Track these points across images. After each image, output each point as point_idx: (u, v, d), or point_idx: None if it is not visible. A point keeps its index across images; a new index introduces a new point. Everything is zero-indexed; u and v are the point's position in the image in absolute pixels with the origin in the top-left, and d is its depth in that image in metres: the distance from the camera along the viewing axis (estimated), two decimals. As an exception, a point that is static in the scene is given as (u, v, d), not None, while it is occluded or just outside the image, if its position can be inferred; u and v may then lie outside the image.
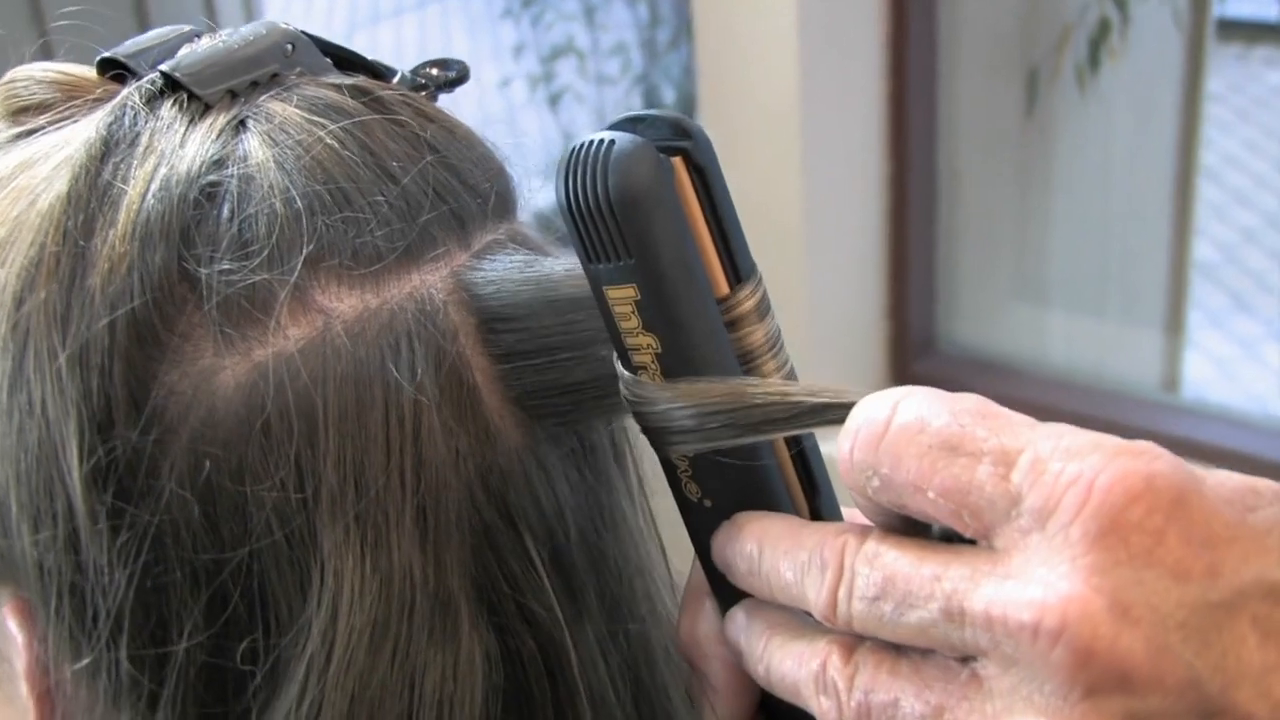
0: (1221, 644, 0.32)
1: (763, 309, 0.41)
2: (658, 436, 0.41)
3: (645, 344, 0.40)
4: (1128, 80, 2.27)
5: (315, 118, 0.43)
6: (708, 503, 0.42)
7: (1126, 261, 2.38)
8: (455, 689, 0.41)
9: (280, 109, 0.43)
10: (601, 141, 0.39)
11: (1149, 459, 0.33)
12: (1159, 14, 2.21)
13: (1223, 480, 0.34)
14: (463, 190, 0.45)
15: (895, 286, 2.09)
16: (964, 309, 2.18)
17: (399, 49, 4.54)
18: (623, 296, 0.40)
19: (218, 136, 0.42)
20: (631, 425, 0.50)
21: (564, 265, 0.44)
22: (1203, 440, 1.98)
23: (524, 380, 0.43)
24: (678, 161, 0.40)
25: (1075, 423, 1.37)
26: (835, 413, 0.38)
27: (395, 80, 0.49)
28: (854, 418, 0.37)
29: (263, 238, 0.40)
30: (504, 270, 0.44)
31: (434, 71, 0.51)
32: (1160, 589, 0.32)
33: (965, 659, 0.35)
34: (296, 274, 0.40)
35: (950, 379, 2.12)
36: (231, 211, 0.41)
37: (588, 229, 0.39)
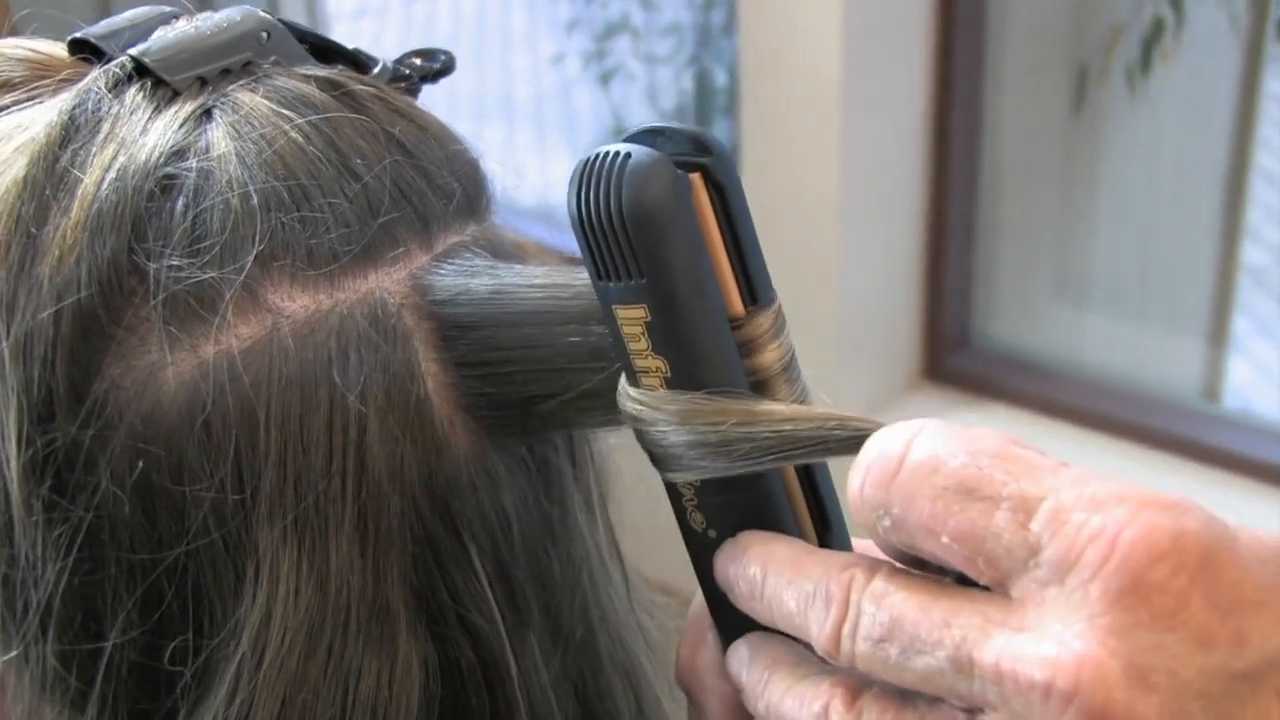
0: (1244, 717, 0.31)
1: (779, 333, 0.40)
2: (663, 462, 0.40)
3: (655, 367, 0.39)
4: (1181, 83, 2.24)
5: (283, 110, 0.43)
6: (712, 533, 0.41)
7: (1171, 267, 2.35)
8: (390, 697, 0.41)
9: (248, 99, 0.43)
10: (617, 154, 0.38)
11: (1178, 514, 0.32)
12: (1216, 16, 2.18)
13: (1258, 539, 0.33)
14: (429, 190, 0.44)
15: (931, 280, 2.07)
16: (1001, 307, 2.17)
17: (456, 21, 4.55)
18: (633, 317, 0.38)
19: (180, 125, 0.42)
20: (592, 436, 0.50)
21: (527, 276, 0.44)
22: (1242, 452, 1.96)
23: (476, 390, 0.43)
24: (696, 178, 0.38)
25: (1111, 428, 1.37)
26: (849, 443, 0.37)
27: (376, 70, 0.49)
28: (867, 452, 0.35)
29: (215, 234, 0.40)
30: (464, 277, 0.43)
31: (418, 62, 0.51)
32: (1181, 654, 0.31)
33: (972, 711, 0.33)
34: (246, 273, 0.40)
35: (984, 376, 2.11)
36: (186, 205, 0.41)
37: (599, 245, 0.38)
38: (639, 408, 0.39)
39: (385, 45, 4.42)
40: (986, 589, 0.34)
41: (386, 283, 0.42)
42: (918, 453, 0.34)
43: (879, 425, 0.36)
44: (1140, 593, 0.31)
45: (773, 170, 1.91)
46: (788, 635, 0.39)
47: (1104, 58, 2.14)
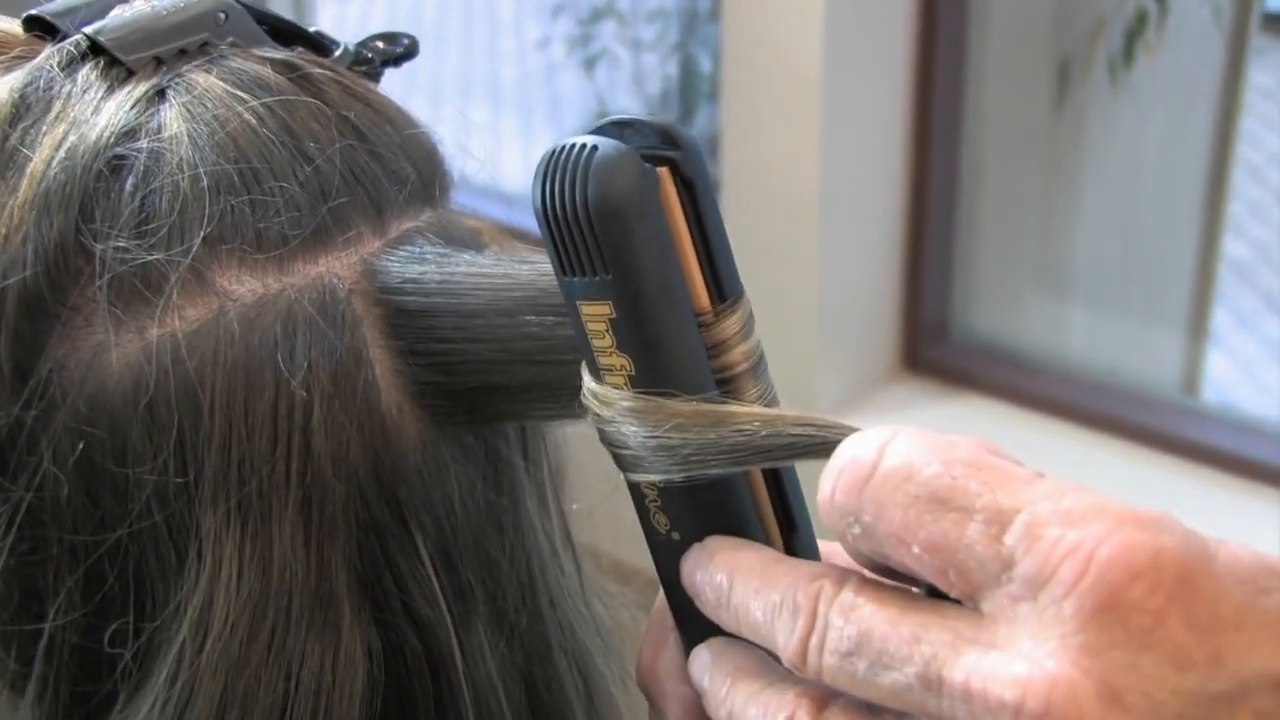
0: None
1: (747, 333, 0.39)
2: (626, 462, 0.39)
3: (619, 364, 0.38)
4: (1163, 75, 2.24)
5: (237, 92, 0.42)
6: (676, 535, 0.40)
7: (1151, 260, 2.36)
8: (334, 683, 0.41)
9: (203, 80, 0.43)
10: (584, 146, 0.37)
11: (1156, 531, 0.31)
12: (1199, 8, 2.18)
13: (1237, 557, 0.32)
14: (382, 175, 0.44)
15: (911, 271, 2.08)
16: (981, 298, 2.17)
17: (443, 5, 4.54)
18: (597, 313, 0.37)
19: (133, 106, 0.42)
20: (547, 426, 0.50)
21: (478, 266, 0.43)
22: (1220, 446, 1.96)
23: (425, 378, 0.42)
24: (664, 172, 0.37)
25: (1089, 421, 1.36)
26: (820, 448, 0.36)
27: (338, 53, 0.48)
28: (838, 457, 0.34)
29: (163, 215, 0.40)
30: (415, 264, 0.43)
31: (380, 45, 0.50)
32: (1157, 675, 0.30)
33: None
34: (192, 255, 0.40)
35: (963, 367, 2.11)
36: (135, 186, 0.40)
37: (563, 239, 0.37)
38: (602, 407, 0.38)
39: (372, 29, 4.39)
40: (958, 602, 0.33)
41: (337, 268, 0.42)
42: (891, 460, 0.33)
43: (851, 430, 0.35)
44: (1116, 611, 0.30)
45: (753, 160, 1.91)
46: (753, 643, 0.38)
47: (1087, 50, 2.14)
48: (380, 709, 0.42)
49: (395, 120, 0.46)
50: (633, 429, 0.38)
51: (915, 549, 0.33)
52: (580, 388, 0.41)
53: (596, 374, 0.39)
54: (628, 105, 3.21)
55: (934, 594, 0.34)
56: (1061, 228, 2.28)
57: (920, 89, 1.97)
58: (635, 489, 0.40)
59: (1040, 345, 2.17)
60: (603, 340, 0.38)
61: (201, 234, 0.40)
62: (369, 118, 0.45)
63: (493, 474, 0.45)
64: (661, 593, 0.42)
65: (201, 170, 0.41)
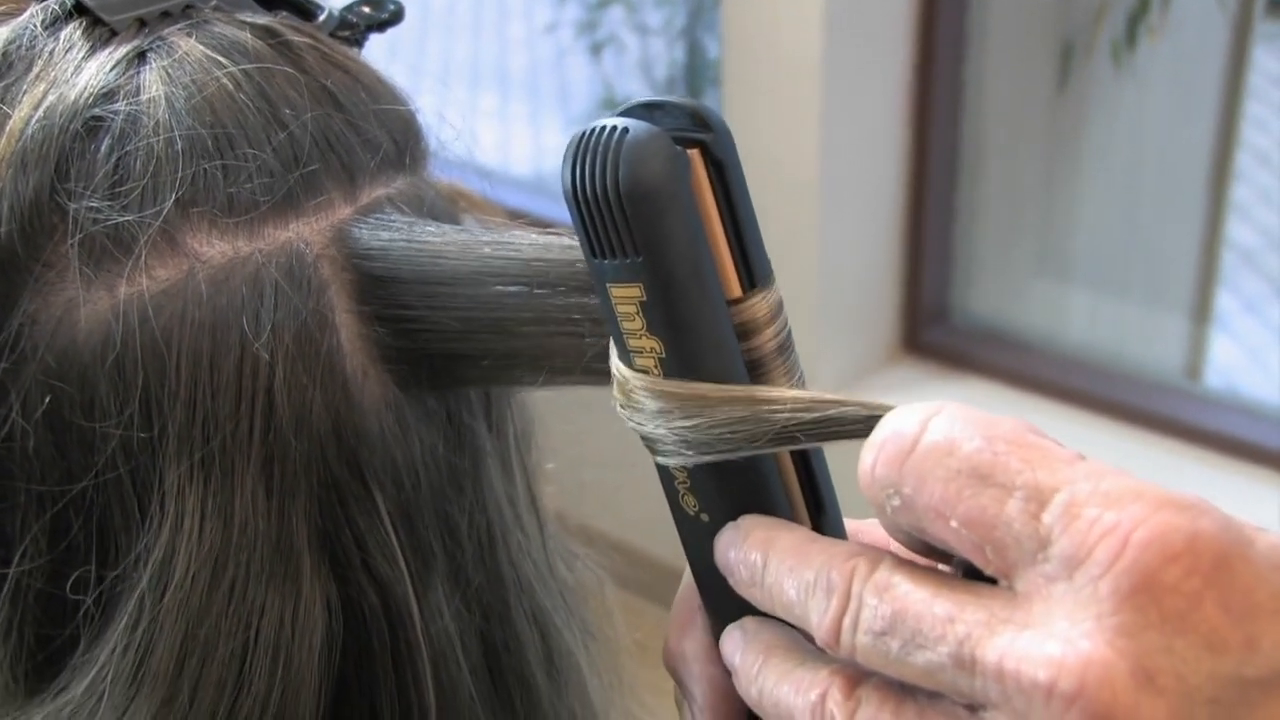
0: None
1: (775, 315, 0.39)
2: (657, 445, 0.39)
3: (649, 347, 0.38)
4: (1167, 59, 2.24)
5: (217, 56, 0.43)
6: (705, 517, 0.40)
7: (1154, 244, 2.36)
8: (293, 634, 0.42)
9: (184, 43, 0.44)
10: (614, 128, 0.36)
11: (1194, 515, 0.31)
12: (1202, -9, 2.19)
13: (1276, 544, 0.31)
14: (356, 142, 0.45)
15: (911, 254, 2.08)
16: (981, 281, 2.17)
17: (452, -11, 4.53)
18: (627, 296, 0.37)
19: (113, 67, 0.43)
20: (514, 391, 0.50)
21: (448, 235, 0.44)
22: (1223, 430, 1.96)
23: (390, 343, 0.43)
24: (695, 155, 0.37)
25: (1090, 404, 1.36)
26: (855, 427, 0.36)
27: (322, 18, 0.49)
28: (881, 429, 0.34)
29: (136, 177, 0.41)
30: (384, 231, 0.44)
31: (366, 10, 0.51)
32: (1191, 659, 0.30)
33: (973, 707, 0.32)
34: (163, 217, 0.41)
35: (963, 350, 2.11)
36: (111, 147, 0.41)
37: (594, 222, 0.37)
38: (632, 391, 0.38)
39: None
40: (991, 582, 0.33)
41: (306, 233, 0.43)
42: (933, 434, 0.33)
43: (886, 408, 0.35)
44: (1151, 593, 0.30)
45: (753, 144, 1.91)
46: (785, 622, 0.38)
47: (1089, 33, 2.14)
48: (339, 662, 0.43)
49: (372, 88, 0.47)
50: (664, 413, 0.38)
51: (954, 523, 0.33)
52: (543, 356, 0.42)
53: (626, 357, 0.39)
54: (635, 91, 3.22)
55: (968, 575, 0.34)
56: (1063, 211, 2.29)
57: (920, 72, 1.97)
58: (664, 471, 0.40)
59: (1041, 329, 2.17)
60: (633, 323, 0.38)
61: (173, 196, 0.41)
62: (346, 85, 0.46)
63: (455, 437, 0.46)
64: (687, 575, 0.42)
65: (176, 134, 0.42)
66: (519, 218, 0.48)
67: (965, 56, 2.01)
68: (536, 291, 0.42)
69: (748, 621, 0.40)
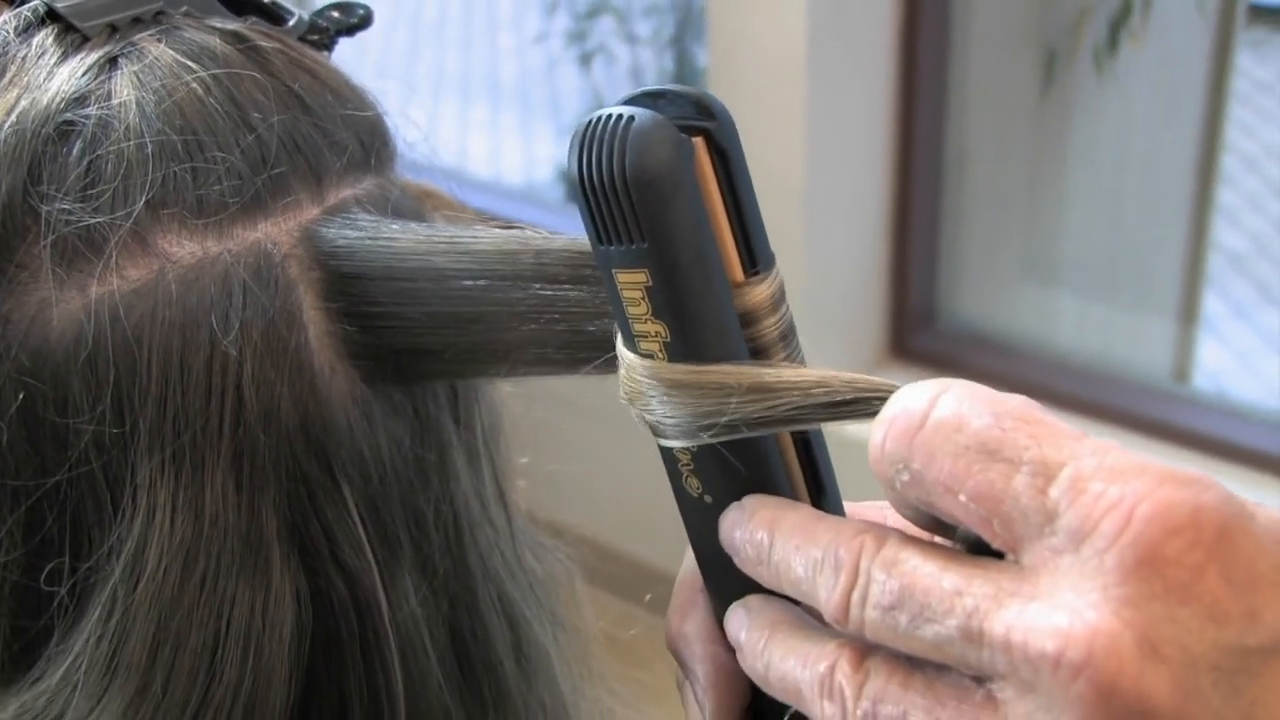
0: (1253, 693, 0.31)
1: (778, 301, 0.40)
2: (660, 428, 0.39)
3: (654, 331, 0.38)
4: (1149, 64, 2.26)
5: (187, 62, 0.44)
6: (708, 499, 0.41)
7: (1141, 248, 2.37)
8: (264, 624, 0.43)
9: (154, 49, 0.45)
10: (620, 116, 0.37)
11: (1197, 490, 0.31)
12: (1183, -1, 2.20)
13: (1276, 519, 0.32)
14: (323, 144, 0.46)
15: (896, 259, 2.09)
16: (968, 285, 2.18)
17: (443, 3, 4.56)
18: (633, 281, 0.38)
19: (85, 73, 0.44)
20: (484, 386, 0.51)
21: (414, 233, 0.45)
22: (1209, 433, 1.97)
23: (357, 340, 0.45)
24: (699, 142, 0.38)
25: (1079, 408, 1.37)
26: (863, 404, 0.37)
27: (292, 23, 0.50)
28: (890, 406, 0.35)
29: (107, 180, 0.42)
30: (350, 230, 0.45)
31: (335, 15, 0.52)
32: (1194, 629, 0.31)
33: (981, 679, 0.33)
34: (134, 219, 0.42)
35: (949, 354, 2.12)
36: (82, 151, 0.42)
37: (600, 208, 0.38)
38: (638, 376, 0.39)
39: (375, 26, 4.42)
40: (998, 557, 0.34)
41: (275, 233, 0.44)
42: (942, 410, 0.34)
43: (894, 387, 0.36)
44: (1155, 565, 0.31)
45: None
46: (790, 600, 0.39)
47: (1072, 38, 2.16)
48: (309, 651, 0.44)
49: (339, 92, 0.48)
50: (668, 396, 0.38)
51: (962, 497, 0.33)
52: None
53: (631, 341, 0.39)
54: (624, 99, 3.23)
55: (974, 550, 0.35)
56: (1049, 216, 2.30)
57: (904, 78, 1.98)
58: (668, 453, 0.41)
59: (1028, 332, 2.19)
60: (638, 308, 0.38)
61: (144, 199, 0.42)
62: (313, 89, 0.47)
63: (421, 431, 0.47)
64: (689, 557, 0.43)
65: (147, 138, 0.43)
66: (491, 220, 0.49)
67: (948, 62, 2.02)
68: (498, 285, 0.43)
69: (752, 599, 0.40)
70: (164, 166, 0.43)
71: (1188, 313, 2.37)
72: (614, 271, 0.38)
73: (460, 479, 0.49)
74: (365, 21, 0.54)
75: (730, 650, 0.41)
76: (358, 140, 0.47)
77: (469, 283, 0.44)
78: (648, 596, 0.64)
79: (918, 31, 1.96)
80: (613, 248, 0.38)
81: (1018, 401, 0.34)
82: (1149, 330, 2.36)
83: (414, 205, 0.50)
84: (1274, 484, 1.88)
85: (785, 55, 1.87)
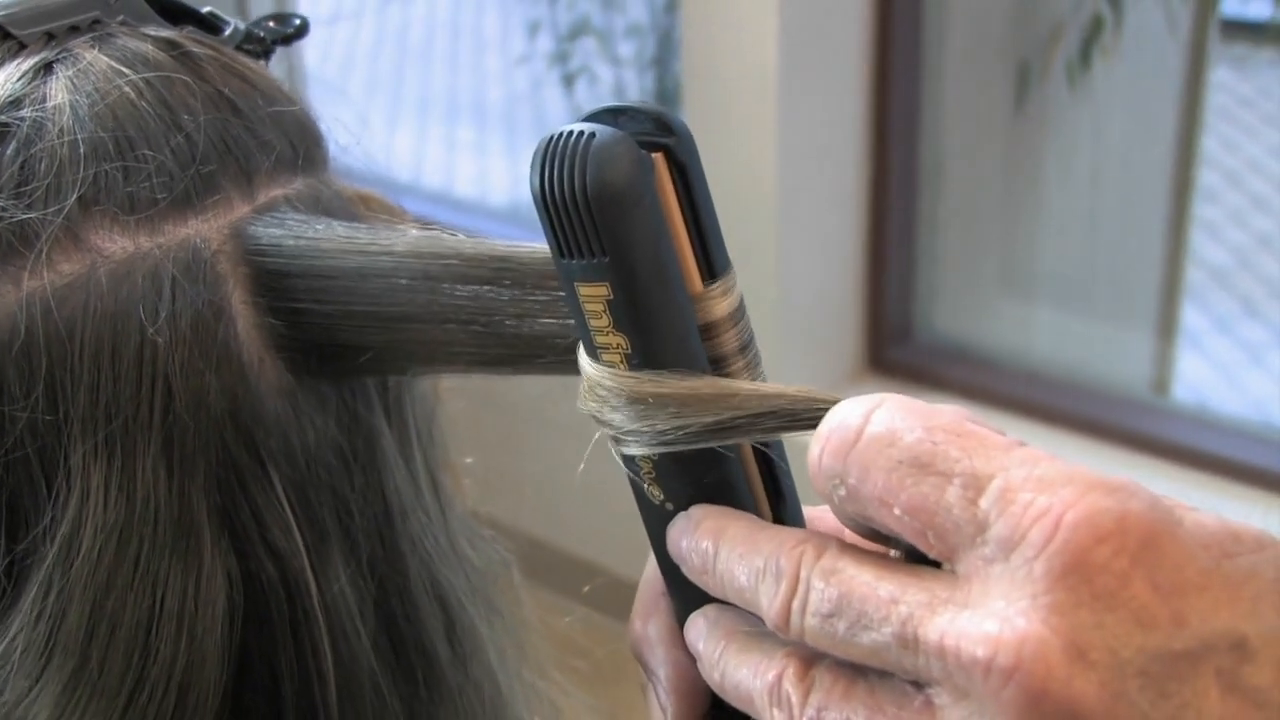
0: (1181, 695, 0.32)
1: (737, 314, 0.41)
2: (623, 437, 0.40)
3: (615, 343, 0.39)
4: (1122, 79, 2.28)
5: (120, 67, 0.46)
6: (670, 506, 0.42)
7: (1119, 261, 2.39)
8: (196, 604, 0.45)
9: (89, 55, 0.47)
10: (580, 133, 0.38)
11: (1123, 497, 0.32)
12: (1153, 14, 2.22)
13: (1203, 522, 0.33)
14: (253, 145, 0.48)
15: (873, 273, 2.10)
16: (945, 299, 2.20)
17: (431, 24, 4.58)
18: (594, 294, 0.39)
19: (20, 77, 0.46)
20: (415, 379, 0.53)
21: (344, 232, 0.47)
22: (1188, 445, 1.97)
23: (286, 334, 0.46)
24: (658, 158, 0.38)
25: (1058, 420, 1.40)
26: (809, 418, 0.38)
27: (229, 32, 0.52)
28: (826, 422, 0.36)
29: (40, 177, 0.44)
30: (278, 229, 0.47)
31: (272, 25, 0.54)
32: (1121, 634, 0.31)
33: (919, 685, 0.34)
34: (66, 215, 0.44)
35: (926, 367, 2.14)
36: (17, 150, 0.44)
37: (561, 223, 0.38)
38: (599, 387, 0.40)
39: (361, 47, 4.46)
40: (935, 565, 0.35)
41: (205, 230, 0.46)
42: (876, 425, 0.35)
43: (835, 400, 0.37)
44: (1082, 572, 0.31)
45: (712, 164, 1.93)
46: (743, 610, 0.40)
47: (1045, 54, 2.18)
48: (241, 631, 0.46)
49: (270, 95, 0.50)
50: (629, 406, 0.39)
51: (897, 510, 0.34)
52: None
53: (593, 353, 0.40)
54: (608, 120, 3.25)
55: (913, 558, 0.36)
56: (1025, 230, 2.32)
57: (877, 92, 2.00)
58: (630, 462, 0.42)
59: (1006, 346, 2.20)
60: (600, 320, 0.39)
61: (75, 195, 0.44)
62: (245, 93, 0.49)
63: (350, 421, 0.49)
64: (651, 561, 0.44)
65: (79, 138, 0.45)
66: (428, 225, 0.51)
67: (921, 77, 2.05)
68: (417, 285, 0.45)
69: (709, 609, 0.41)
70: (96, 165, 0.45)
71: (1166, 325, 2.38)
72: (576, 285, 0.39)
73: (391, 468, 0.51)
74: (301, 31, 0.56)
75: (690, 654, 0.42)
76: (288, 141, 0.49)
77: (388, 282, 0.45)
78: (585, 588, 0.66)
79: (890, 46, 1.98)
80: (574, 261, 0.39)
81: (950, 414, 0.35)
82: (1128, 343, 2.37)
83: (346, 206, 0.51)
84: (1252, 495, 1.89)
85: (758, 70, 1.89)
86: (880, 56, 1.98)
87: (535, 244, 0.46)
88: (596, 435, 0.42)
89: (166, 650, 0.44)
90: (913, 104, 2.05)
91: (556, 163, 0.38)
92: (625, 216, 0.38)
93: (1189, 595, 0.32)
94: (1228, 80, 3.88)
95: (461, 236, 0.46)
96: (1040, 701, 0.31)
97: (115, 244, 0.45)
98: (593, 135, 0.37)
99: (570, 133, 0.38)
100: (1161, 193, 2.31)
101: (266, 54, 0.54)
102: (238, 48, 0.52)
